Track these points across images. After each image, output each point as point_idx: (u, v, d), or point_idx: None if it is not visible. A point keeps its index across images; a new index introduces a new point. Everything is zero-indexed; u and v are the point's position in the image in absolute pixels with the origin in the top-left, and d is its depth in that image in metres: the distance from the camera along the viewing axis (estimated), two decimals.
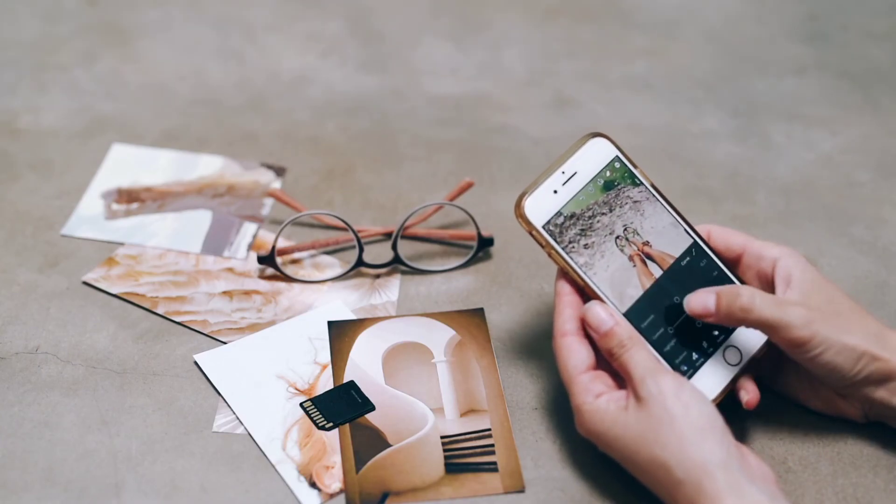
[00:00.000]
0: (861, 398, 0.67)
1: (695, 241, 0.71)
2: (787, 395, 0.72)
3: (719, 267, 0.70)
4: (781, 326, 0.65)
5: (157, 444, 0.70)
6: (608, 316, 0.66)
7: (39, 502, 0.66)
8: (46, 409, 0.72)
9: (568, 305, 0.68)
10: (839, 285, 0.81)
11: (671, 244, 0.70)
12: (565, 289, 0.68)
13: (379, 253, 0.85)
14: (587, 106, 1.03)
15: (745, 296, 0.65)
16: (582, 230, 0.69)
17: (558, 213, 0.68)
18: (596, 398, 0.64)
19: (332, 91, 1.04)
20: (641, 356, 0.64)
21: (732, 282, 0.70)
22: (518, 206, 0.68)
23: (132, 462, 0.68)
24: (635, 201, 0.70)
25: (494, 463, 0.69)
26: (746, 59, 1.10)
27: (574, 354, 0.66)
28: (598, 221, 0.69)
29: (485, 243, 0.84)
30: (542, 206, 0.68)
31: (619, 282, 0.68)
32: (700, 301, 0.67)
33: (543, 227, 0.68)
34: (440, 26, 1.14)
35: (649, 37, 1.13)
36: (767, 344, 0.69)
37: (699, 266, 0.70)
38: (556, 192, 0.69)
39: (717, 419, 0.62)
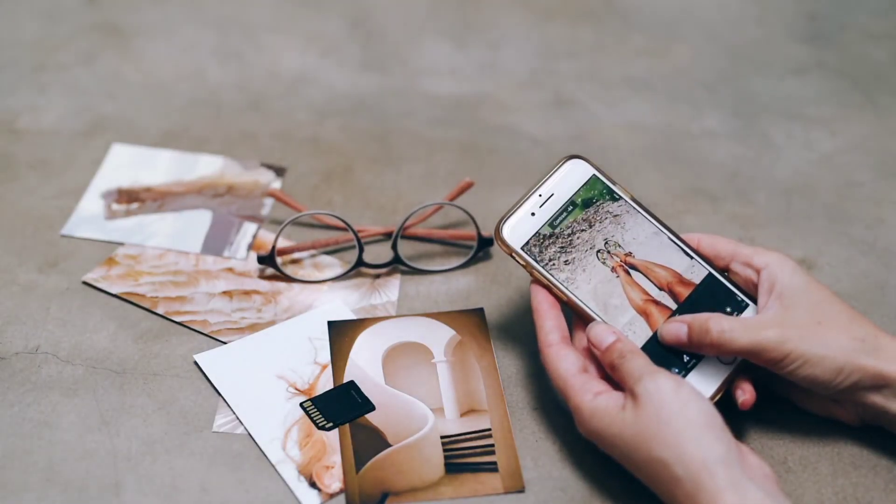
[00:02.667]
0: (855, 403, 0.67)
1: (681, 248, 0.71)
2: (784, 396, 0.71)
3: (707, 270, 0.71)
4: (756, 352, 0.65)
5: (157, 444, 0.70)
6: (610, 333, 0.67)
7: (39, 502, 0.66)
8: (46, 409, 0.72)
9: (548, 318, 0.69)
10: (839, 285, 0.82)
11: (655, 252, 0.71)
12: (542, 305, 0.69)
13: (379, 253, 0.85)
14: (587, 106, 1.03)
15: (714, 331, 0.66)
16: (562, 247, 0.70)
17: (536, 234, 0.70)
18: (595, 396, 0.64)
19: (332, 91, 1.04)
20: (640, 362, 0.65)
21: (723, 283, 0.70)
22: (496, 231, 0.70)
23: (132, 462, 0.68)
24: (615, 215, 0.71)
25: (494, 463, 0.69)
26: (746, 59, 1.10)
27: (565, 359, 0.67)
28: (577, 238, 0.71)
29: (485, 243, 0.84)
30: (519, 228, 0.70)
31: (602, 294, 0.69)
32: (672, 331, 0.68)
33: (522, 248, 0.70)
34: (440, 26, 1.14)
35: (649, 37, 1.13)
36: None
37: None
38: (533, 214, 0.71)
39: (715, 416, 0.62)
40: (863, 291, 0.82)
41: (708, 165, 0.95)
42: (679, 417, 0.61)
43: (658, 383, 0.63)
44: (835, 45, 1.12)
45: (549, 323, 0.68)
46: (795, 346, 0.64)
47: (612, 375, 0.66)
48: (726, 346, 0.65)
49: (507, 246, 0.70)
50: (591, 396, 0.64)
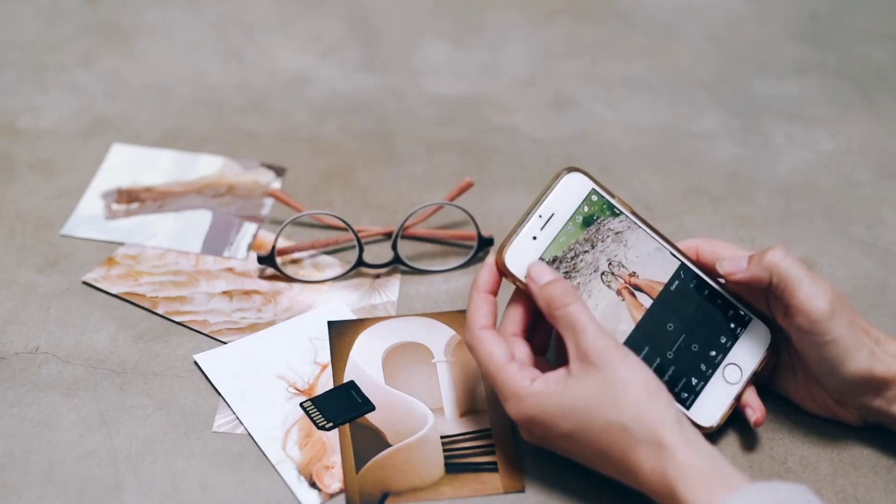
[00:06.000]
0: (857, 405, 0.67)
1: (682, 263, 0.70)
2: (784, 395, 0.71)
3: (710, 285, 0.70)
4: (807, 290, 0.64)
5: (157, 444, 0.70)
6: (550, 271, 0.66)
7: (39, 502, 0.66)
8: (46, 409, 0.72)
9: (486, 302, 0.67)
10: (839, 286, 0.81)
11: (658, 270, 0.69)
12: (486, 286, 0.67)
13: (379, 253, 0.85)
14: (587, 106, 1.03)
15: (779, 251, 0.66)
16: (566, 272, 0.68)
17: (540, 260, 0.67)
18: (532, 381, 0.64)
19: (332, 91, 1.04)
20: (586, 316, 0.63)
21: (726, 298, 0.70)
22: (499, 257, 0.67)
23: (132, 462, 0.68)
24: (617, 232, 0.69)
25: (494, 463, 0.69)
26: (746, 59, 1.10)
27: (498, 345, 0.65)
28: (581, 261, 0.68)
29: (485, 243, 0.84)
30: (522, 254, 0.67)
31: (610, 319, 0.67)
32: (732, 263, 0.68)
33: (526, 277, 0.67)
34: (440, 26, 1.15)
35: (649, 37, 1.13)
36: (766, 357, 0.69)
37: (689, 288, 0.69)
38: (535, 238, 0.67)
39: (661, 382, 0.62)
40: (863, 291, 0.82)
41: (708, 165, 0.95)
42: (632, 384, 0.61)
43: (611, 350, 0.62)
44: (835, 45, 1.12)
45: (486, 307, 0.67)
46: (839, 311, 0.64)
47: (550, 320, 0.65)
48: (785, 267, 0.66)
49: (511, 275, 0.67)
50: (528, 382, 0.64)
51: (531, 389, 0.63)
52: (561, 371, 0.63)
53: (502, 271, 0.67)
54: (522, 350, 0.67)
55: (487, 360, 0.65)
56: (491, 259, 0.68)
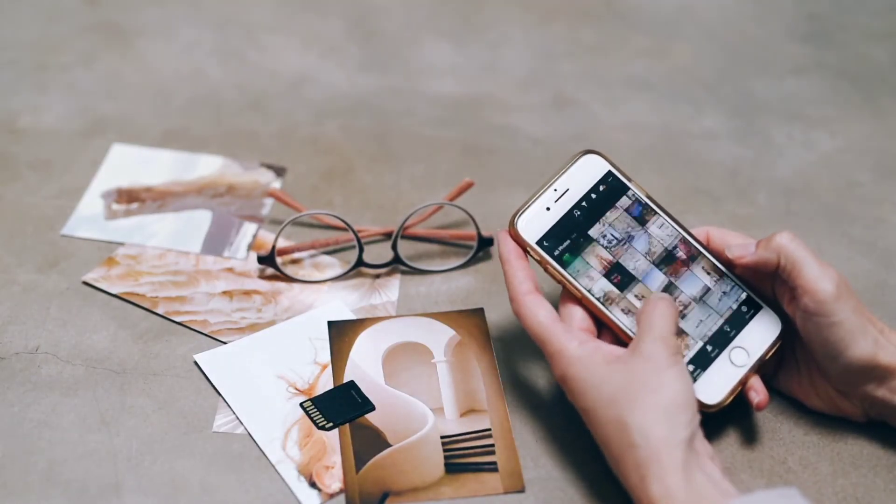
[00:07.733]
0: (860, 396, 0.67)
1: (696, 247, 0.71)
2: (787, 393, 0.71)
3: (721, 270, 0.71)
4: (814, 271, 0.65)
5: (157, 444, 0.70)
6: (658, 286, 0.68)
7: (39, 502, 0.66)
8: (46, 409, 0.72)
9: (520, 268, 0.68)
10: None
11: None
12: (512, 254, 0.69)
13: (379, 253, 0.85)
14: (587, 106, 1.03)
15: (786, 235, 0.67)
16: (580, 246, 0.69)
17: (552, 230, 0.69)
18: (581, 344, 0.64)
19: (332, 91, 1.04)
20: (668, 311, 0.65)
21: (736, 283, 0.70)
22: (511, 225, 0.69)
23: (132, 462, 0.68)
24: (631, 213, 0.71)
25: (494, 463, 0.69)
26: (746, 59, 1.10)
27: (542, 306, 0.67)
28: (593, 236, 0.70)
29: (485, 243, 0.84)
30: (534, 223, 0.69)
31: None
32: (741, 247, 0.69)
33: (537, 244, 0.68)
34: (440, 26, 1.15)
35: (649, 37, 1.13)
36: (775, 344, 0.69)
37: (701, 271, 0.70)
38: (548, 209, 0.69)
39: (692, 399, 0.62)
40: (863, 291, 0.82)
41: (708, 165, 0.95)
42: (664, 390, 0.61)
43: (661, 349, 0.63)
44: (835, 45, 1.12)
45: (521, 273, 0.68)
46: (845, 294, 0.65)
47: (638, 317, 0.66)
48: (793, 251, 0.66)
49: (522, 240, 0.69)
50: (576, 344, 0.64)
51: (577, 351, 0.64)
52: (613, 350, 0.65)
53: (514, 238, 0.69)
54: (578, 314, 0.68)
55: (533, 321, 0.67)
56: (503, 230, 0.70)
